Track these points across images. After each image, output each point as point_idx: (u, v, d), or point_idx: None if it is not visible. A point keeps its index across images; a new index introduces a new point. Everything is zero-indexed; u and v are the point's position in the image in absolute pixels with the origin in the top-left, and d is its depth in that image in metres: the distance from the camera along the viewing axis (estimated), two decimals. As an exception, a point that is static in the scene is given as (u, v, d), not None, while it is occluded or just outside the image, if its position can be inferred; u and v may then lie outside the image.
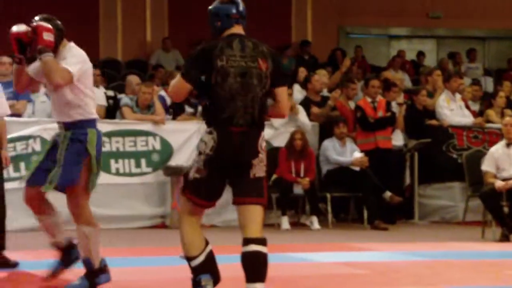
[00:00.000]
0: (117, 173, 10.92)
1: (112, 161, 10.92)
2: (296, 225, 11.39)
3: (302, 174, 11.24)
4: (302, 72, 13.27)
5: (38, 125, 10.62)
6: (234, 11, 5.39)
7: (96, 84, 11.82)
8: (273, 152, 11.50)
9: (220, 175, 5.29)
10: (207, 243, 5.45)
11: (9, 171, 10.32)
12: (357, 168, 11.52)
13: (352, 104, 12.29)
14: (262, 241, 5.23)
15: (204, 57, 5.24)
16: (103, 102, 11.53)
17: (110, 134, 10.94)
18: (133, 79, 12.29)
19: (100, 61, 15.63)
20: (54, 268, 6.52)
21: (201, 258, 5.38)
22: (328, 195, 11.38)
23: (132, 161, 11.03)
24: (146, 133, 11.16)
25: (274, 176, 11.30)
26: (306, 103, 12.21)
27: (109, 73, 14.57)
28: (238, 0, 5.44)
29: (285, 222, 11.13)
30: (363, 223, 11.42)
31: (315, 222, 11.18)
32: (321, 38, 17.71)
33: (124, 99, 11.41)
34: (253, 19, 17.60)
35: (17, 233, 10.01)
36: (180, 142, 11.26)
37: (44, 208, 6.56)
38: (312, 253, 8.63)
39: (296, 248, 9.03)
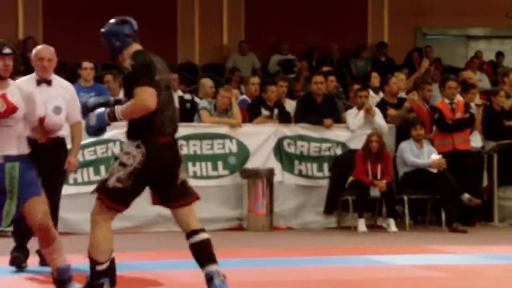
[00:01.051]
0: (195, 176, 11.00)
1: (190, 164, 11.01)
2: (372, 227, 11.32)
3: (378, 177, 11.17)
4: (375, 78, 13.18)
5: (117, 128, 10.74)
6: (130, 30, 5.75)
7: (174, 88, 11.94)
8: (349, 154, 11.45)
9: (143, 185, 5.62)
10: (112, 251, 5.72)
11: (90, 174, 10.51)
12: (434, 170, 11.40)
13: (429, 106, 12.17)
14: (204, 230, 5.80)
15: (150, 70, 5.54)
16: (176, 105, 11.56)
17: (187, 138, 11.03)
18: (206, 82, 12.37)
19: (177, 65, 15.77)
20: None
21: (106, 265, 5.65)
22: (405, 197, 11.29)
23: (209, 164, 11.10)
24: (223, 136, 11.22)
25: (351, 179, 11.25)
26: (383, 105, 12.14)
27: (186, 77, 14.67)
28: (130, 19, 5.80)
29: (361, 224, 11.08)
30: (441, 225, 11.29)
31: (392, 225, 11.10)
32: (398, 39, 17.55)
33: (203, 102, 11.49)
34: (328, 21, 17.62)
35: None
36: (257, 144, 11.28)
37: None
38: (390, 256, 8.57)
39: (373, 251, 8.98)
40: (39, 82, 7.50)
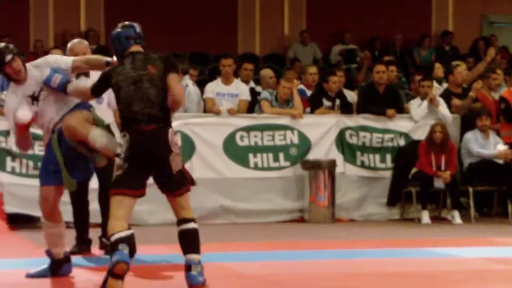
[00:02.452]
0: (256, 167, 11.01)
1: (251, 156, 11.02)
2: (436, 219, 11.21)
3: (443, 168, 11.05)
4: (439, 68, 13.01)
5: (179, 120, 10.81)
6: (132, 33, 6.33)
7: (247, 79, 11.98)
8: (412, 145, 11.35)
9: (140, 169, 6.07)
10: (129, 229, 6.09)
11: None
12: (500, 161, 11.24)
13: (495, 96, 11.98)
14: (195, 221, 6.21)
15: (105, 78, 6.29)
16: (248, 97, 11.55)
17: (248, 129, 11.04)
18: (267, 72, 12.35)
19: (238, 55, 15.81)
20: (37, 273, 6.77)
21: (122, 233, 5.98)
22: (470, 189, 11.15)
23: (271, 155, 11.10)
24: (284, 127, 11.20)
25: (414, 170, 11.15)
26: (447, 95, 11.99)
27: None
28: (134, 24, 6.40)
29: (425, 216, 10.97)
30: (508, 217, 11.13)
31: (456, 217, 10.98)
32: (463, 28, 17.33)
33: (264, 93, 11.48)
34: (391, 10, 17.48)
35: (159, 227, 10.27)
36: (318, 135, 11.24)
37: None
38: (454, 248, 8.48)
39: (438, 243, 8.89)
40: (78, 74, 7.63)
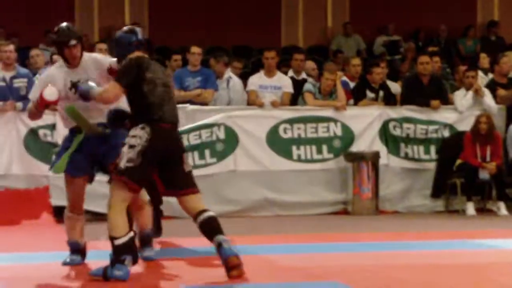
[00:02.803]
0: (299, 160, 11.01)
1: (294, 148, 11.02)
2: (482, 211, 11.11)
3: (488, 159, 10.95)
4: (484, 59, 12.89)
5: (222, 112, 10.85)
6: (133, 39, 6.47)
7: (299, 69, 11.98)
8: (457, 136, 11.26)
9: (151, 164, 6.27)
10: (130, 229, 6.41)
11: (195, 159, 10.63)
12: (547, 152, 11.11)
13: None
14: (209, 210, 6.43)
15: (137, 68, 6.30)
16: (290, 89, 11.53)
17: (292, 121, 11.04)
18: (309, 64, 12.34)
19: (281, 48, 15.79)
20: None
21: (124, 239, 6.26)
22: (516, 180, 11.06)
23: (314, 148, 11.08)
24: (328, 119, 11.17)
25: (459, 161, 11.06)
26: (492, 86, 11.87)
27: (291, 59, 14.66)
28: (137, 29, 6.55)
29: (470, 208, 10.89)
30: (554, 209, 11.02)
31: (502, 208, 10.87)
32: (509, 17, 17.12)
33: (307, 85, 11.46)
34: (434, 0, 17.23)
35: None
36: (362, 127, 11.20)
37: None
38: (500, 240, 8.41)
39: (483, 235, 8.82)
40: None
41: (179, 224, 9.26)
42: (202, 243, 7.85)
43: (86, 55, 6.90)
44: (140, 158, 6.20)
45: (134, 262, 6.36)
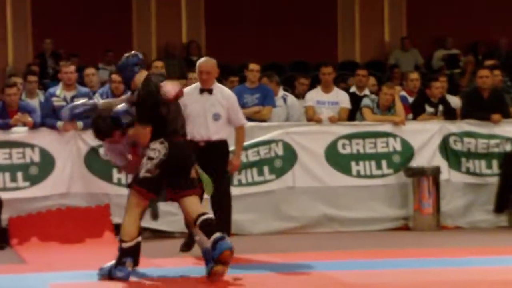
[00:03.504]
0: (358, 175, 10.95)
1: (353, 164, 10.96)
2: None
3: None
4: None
5: (280, 129, 10.85)
6: (137, 60, 7.26)
7: (356, 84, 11.99)
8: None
9: (166, 175, 7.04)
10: (139, 234, 7.17)
11: (254, 175, 10.64)
12: None
13: None
14: (208, 213, 7.15)
15: (154, 98, 7.03)
16: (347, 105, 11.50)
17: (350, 136, 10.99)
18: (369, 80, 12.31)
19: (338, 63, 15.77)
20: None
21: (131, 244, 7.07)
22: None
23: (373, 163, 11.01)
24: (387, 134, 11.10)
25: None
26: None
27: (348, 74, 14.65)
28: (137, 53, 7.38)
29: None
30: None
31: None
32: None
33: (365, 100, 11.41)
34: (494, 12, 17.01)
35: (263, 236, 10.31)
36: (421, 142, 11.10)
37: None
38: None
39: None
40: (202, 90, 8.36)
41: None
42: (259, 259, 7.83)
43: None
44: (158, 170, 6.95)
45: (135, 264, 7.10)
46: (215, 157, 8.28)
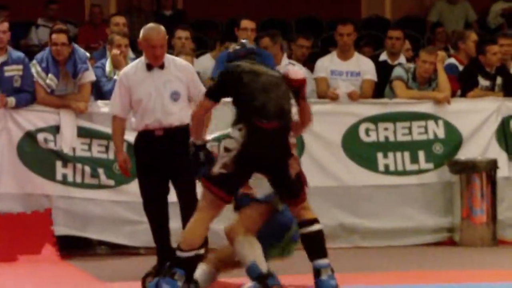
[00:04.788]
0: (386, 171, 10.98)
1: (380, 155, 11.00)
2: None
3: None
4: None
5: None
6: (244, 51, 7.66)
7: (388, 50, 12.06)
8: None
9: (246, 171, 7.32)
10: (202, 246, 7.43)
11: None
12: None
13: None
14: (318, 221, 7.62)
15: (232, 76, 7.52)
16: (373, 76, 11.52)
17: (376, 119, 11.02)
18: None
19: (361, 20, 15.78)
20: None
21: (186, 254, 7.34)
22: None
23: (407, 155, 11.04)
24: (426, 116, 11.14)
25: None
26: None
27: (374, 35, 14.66)
28: (245, 43, 7.81)
29: None
30: None
31: None
32: None
33: (397, 70, 11.42)
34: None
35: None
36: (472, 127, 11.17)
37: None
38: None
39: None
40: (149, 66, 8.43)
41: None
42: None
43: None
44: (234, 166, 7.23)
45: (187, 279, 7.35)
46: (178, 149, 8.26)
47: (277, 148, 7.31)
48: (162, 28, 8.55)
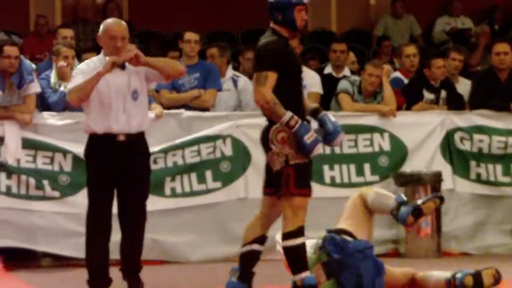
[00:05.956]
0: (333, 184, 11.02)
1: (326, 168, 11.04)
2: None
3: None
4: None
5: (229, 120, 10.88)
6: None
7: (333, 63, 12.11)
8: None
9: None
10: (255, 241, 7.72)
11: (192, 183, 10.65)
12: None
13: None
14: (290, 235, 7.51)
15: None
16: (318, 89, 11.61)
17: (322, 131, 11.07)
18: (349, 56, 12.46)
19: (307, 34, 15.83)
20: None
21: (242, 249, 7.70)
22: None
23: (353, 167, 11.09)
24: (371, 129, 11.20)
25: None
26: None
27: (321, 48, 14.73)
28: None
29: None
30: None
31: None
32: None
33: (343, 83, 11.47)
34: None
35: (205, 264, 10.35)
36: (417, 140, 11.23)
37: None
38: None
39: None
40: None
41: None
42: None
43: None
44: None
45: (240, 278, 7.62)
46: (137, 158, 8.14)
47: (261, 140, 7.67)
48: (123, 22, 8.36)
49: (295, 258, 7.44)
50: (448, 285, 7.56)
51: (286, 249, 7.46)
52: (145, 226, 8.33)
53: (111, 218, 8.16)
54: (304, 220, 7.50)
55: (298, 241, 7.42)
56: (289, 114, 7.35)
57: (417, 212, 7.88)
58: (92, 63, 8.13)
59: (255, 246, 7.72)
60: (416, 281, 7.76)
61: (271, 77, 7.33)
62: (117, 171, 7.98)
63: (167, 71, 8.07)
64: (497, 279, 7.63)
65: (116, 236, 8.26)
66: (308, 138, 7.38)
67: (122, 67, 7.96)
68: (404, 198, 8.03)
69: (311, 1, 16.73)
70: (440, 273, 7.71)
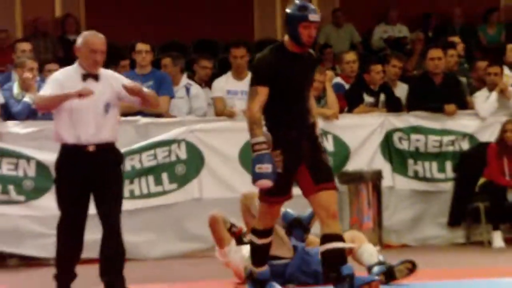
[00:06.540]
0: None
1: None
2: (512, 242, 11.27)
3: (518, 177, 11.14)
4: (511, 50, 13.05)
5: (183, 126, 10.92)
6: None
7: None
8: (479, 149, 11.40)
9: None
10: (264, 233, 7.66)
11: (149, 185, 10.69)
12: None
13: None
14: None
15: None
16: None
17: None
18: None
19: (254, 43, 15.88)
20: None
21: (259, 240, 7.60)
22: (556, 203, 11.21)
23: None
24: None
25: (482, 180, 11.22)
26: (521, 85, 12.05)
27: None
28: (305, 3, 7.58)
29: (497, 238, 11.04)
30: None
31: (538, 238, 11.05)
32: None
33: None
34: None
35: (163, 261, 10.37)
36: (359, 140, 11.34)
37: None
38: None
39: (513, 272, 8.95)
40: (85, 76, 7.73)
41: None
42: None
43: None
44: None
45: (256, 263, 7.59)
46: (108, 169, 7.69)
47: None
48: (102, 35, 7.96)
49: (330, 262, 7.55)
50: (368, 271, 7.97)
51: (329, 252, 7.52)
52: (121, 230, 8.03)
53: (84, 227, 7.73)
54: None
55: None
56: (259, 139, 7.30)
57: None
58: (67, 73, 7.80)
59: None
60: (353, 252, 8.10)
61: (261, 92, 7.18)
62: (89, 182, 7.57)
63: (152, 104, 7.97)
64: (411, 269, 8.09)
65: (93, 235, 7.90)
66: (259, 168, 7.30)
67: (96, 78, 7.68)
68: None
69: (257, 12, 16.85)
70: (369, 256, 8.16)
